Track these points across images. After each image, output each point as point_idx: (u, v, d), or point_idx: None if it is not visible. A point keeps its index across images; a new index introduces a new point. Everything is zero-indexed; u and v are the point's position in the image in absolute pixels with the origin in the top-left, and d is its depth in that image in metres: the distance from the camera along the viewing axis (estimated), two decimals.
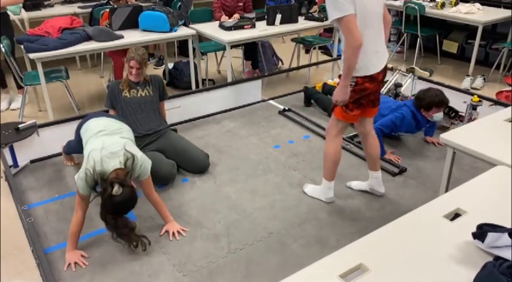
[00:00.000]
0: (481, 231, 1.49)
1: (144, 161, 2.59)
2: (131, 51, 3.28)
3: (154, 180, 2.77)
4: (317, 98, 4.45)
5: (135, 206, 2.50)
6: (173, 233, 2.71)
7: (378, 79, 2.60)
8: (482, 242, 1.47)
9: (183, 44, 5.88)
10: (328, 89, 4.50)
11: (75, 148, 3.11)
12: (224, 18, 4.99)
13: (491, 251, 1.46)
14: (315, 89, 4.60)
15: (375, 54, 2.52)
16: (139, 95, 3.36)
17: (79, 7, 5.61)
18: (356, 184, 3.16)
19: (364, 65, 2.49)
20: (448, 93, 3.60)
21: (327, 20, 4.99)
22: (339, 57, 5.33)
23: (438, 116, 3.55)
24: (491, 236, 1.44)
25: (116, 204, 2.38)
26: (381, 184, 3.04)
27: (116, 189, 2.36)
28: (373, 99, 2.71)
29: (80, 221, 2.49)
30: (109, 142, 2.60)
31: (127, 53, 3.32)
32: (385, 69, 2.64)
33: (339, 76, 4.99)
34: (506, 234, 1.41)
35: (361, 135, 2.96)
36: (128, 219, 2.52)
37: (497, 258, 1.42)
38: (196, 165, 3.33)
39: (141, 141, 3.33)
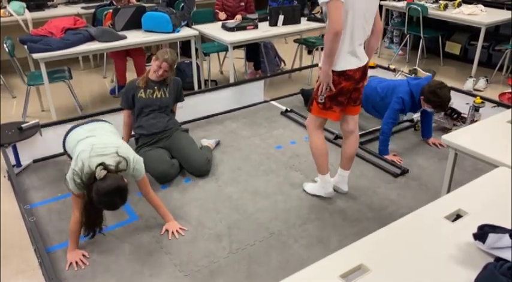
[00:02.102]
0: (482, 232, 1.49)
1: (136, 162, 2.54)
2: (165, 52, 3.28)
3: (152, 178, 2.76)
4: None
5: (137, 205, 2.48)
6: (173, 232, 2.71)
7: (354, 77, 2.62)
8: (483, 243, 1.47)
9: (185, 45, 5.90)
10: None
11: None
12: (222, 15, 4.98)
13: (492, 252, 1.46)
14: (311, 90, 4.59)
15: (352, 52, 2.55)
16: (154, 96, 3.36)
17: (82, 8, 5.64)
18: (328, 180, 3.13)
19: (339, 60, 2.53)
20: (450, 94, 3.59)
21: None
22: None
23: (428, 111, 3.58)
24: (492, 237, 1.44)
25: (101, 194, 2.23)
26: (346, 182, 3.07)
27: (99, 171, 2.25)
28: (353, 98, 2.74)
29: (78, 219, 2.46)
30: (99, 144, 2.50)
31: (158, 51, 3.33)
32: (364, 69, 2.66)
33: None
34: (507, 235, 1.41)
35: (343, 133, 2.96)
36: (102, 214, 2.48)
37: (498, 259, 1.42)
38: (195, 169, 3.32)
39: (150, 138, 3.36)
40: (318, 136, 2.85)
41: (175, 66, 3.35)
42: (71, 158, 2.65)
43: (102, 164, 2.32)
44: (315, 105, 2.74)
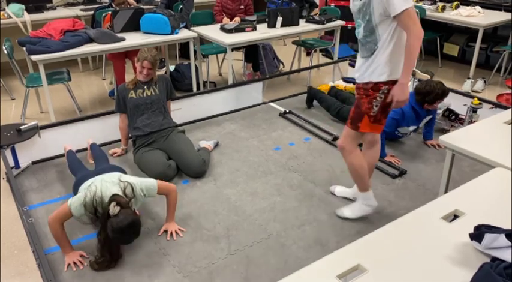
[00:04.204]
0: (479, 233, 1.49)
1: (142, 183, 2.60)
2: (144, 51, 3.34)
3: None
4: (320, 97, 4.45)
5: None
6: (171, 233, 2.72)
7: None
8: (480, 243, 1.48)
9: (184, 47, 5.91)
10: (334, 92, 4.51)
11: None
12: (225, 20, 5.01)
13: (488, 252, 1.47)
14: (318, 89, 4.60)
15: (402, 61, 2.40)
16: (145, 94, 3.41)
17: (81, 10, 5.64)
18: (339, 190, 3.09)
19: (398, 67, 2.38)
20: (448, 95, 3.60)
21: (327, 22, 5.04)
22: (339, 59, 5.35)
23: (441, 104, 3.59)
24: (488, 237, 1.45)
25: (116, 231, 2.31)
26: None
27: (112, 208, 2.32)
28: None
29: (62, 231, 2.47)
30: (107, 176, 2.62)
31: (139, 53, 3.38)
32: None
33: (342, 78, 4.97)
34: (503, 235, 1.42)
35: (367, 144, 2.79)
36: (120, 249, 2.52)
37: (494, 259, 1.43)
38: (190, 170, 3.33)
39: (146, 139, 3.37)
40: (359, 154, 2.67)
41: (158, 62, 3.39)
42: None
43: (114, 199, 2.38)
44: (366, 121, 2.51)
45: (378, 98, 2.45)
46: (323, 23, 5.01)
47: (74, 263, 2.49)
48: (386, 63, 2.37)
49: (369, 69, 2.43)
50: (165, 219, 2.79)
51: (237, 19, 5.00)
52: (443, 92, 3.47)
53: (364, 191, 2.78)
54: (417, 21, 2.26)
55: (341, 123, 4.20)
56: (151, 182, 2.63)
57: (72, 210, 2.43)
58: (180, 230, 2.75)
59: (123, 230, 2.32)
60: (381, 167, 3.43)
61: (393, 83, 2.40)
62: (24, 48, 3.96)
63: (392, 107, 2.45)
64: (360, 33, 2.43)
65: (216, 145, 3.79)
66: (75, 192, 2.73)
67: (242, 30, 4.65)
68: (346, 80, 4.77)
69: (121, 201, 2.39)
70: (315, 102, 4.55)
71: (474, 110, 3.82)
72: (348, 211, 2.87)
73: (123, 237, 2.40)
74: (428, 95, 3.46)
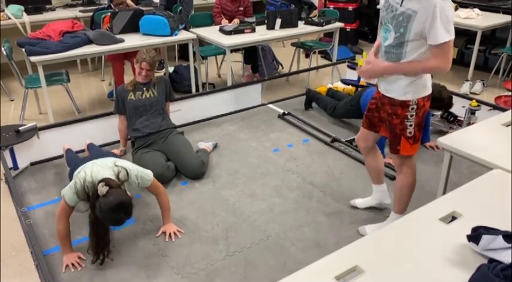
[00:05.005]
0: (476, 234, 1.49)
1: (138, 171, 2.58)
2: (142, 52, 3.35)
3: None
4: (318, 98, 4.47)
5: (134, 208, 2.45)
6: (170, 235, 2.72)
7: None
8: (477, 244, 1.48)
9: (183, 48, 5.91)
10: (331, 94, 4.53)
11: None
12: (224, 22, 5.02)
13: (485, 253, 1.47)
14: (316, 91, 4.62)
15: None
16: (144, 96, 3.41)
17: (80, 11, 5.64)
18: (361, 202, 2.98)
19: (429, 83, 2.30)
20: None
21: (326, 24, 5.05)
22: (338, 61, 5.36)
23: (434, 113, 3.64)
24: (485, 239, 1.45)
25: (104, 211, 2.25)
26: (388, 195, 2.89)
27: (100, 188, 2.27)
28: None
29: (67, 227, 2.47)
30: (99, 160, 2.59)
31: (137, 54, 3.39)
32: None
33: (341, 80, 4.95)
34: (500, 237, 1.42)
35: (365, 150, 2.71)
36: (109, 233, 2.50)
37: (491, 260, 1.43)
38: (189, 171, 3.33)
39: (145, 140, 3.38)
40: (415, 174, 2.53)
41: (157, 63, 3.39)
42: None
43: (103, 180, 2.34)
44: (405, 144, 2.37)
45: (409, 117, 2.31)
46: (322, 25, 5.01)
47: (72, 264, 2.48)
48: (409, 84, 2.23)
49: (395, 83, 2.27)
50: (162, 222, 2.78)
51: (236, 21, 5.01)
52: (448, 105, 3.56)
53: (399, 213, 2.61)
54: (450, 56, 2.10)
55: (339, 124, 4.20)
56: (147, 173, 2.62)
57: (67, 201, 2.41)
58: (178, 231, 2.75)
59: (112, 209, 2.25)
60: None
61: (427, 98, 2.28)
62: (23, 50, 3.96)
63: (360, 70, 2.36)
64: (386, 39, 2.23)
65: (215, 146, 3.79)
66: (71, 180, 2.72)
67: (241, 31, 4.66)
68: (345, 81, 4.77)
69: (111, 182, 2.34)
70: (313, 104, 4.56)
71: (472, 112, 3.83)
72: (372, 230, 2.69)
73: (112, 217, 2.29)
74: (434, 101, 3.44)
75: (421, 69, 2.19)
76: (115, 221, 2.36)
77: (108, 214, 2.27)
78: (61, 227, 2.47)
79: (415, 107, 2.27)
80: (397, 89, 2.28)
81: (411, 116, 2.30)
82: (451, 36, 2.05)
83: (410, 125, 2.33)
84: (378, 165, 2.77)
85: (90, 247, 2.47)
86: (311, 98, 4.55)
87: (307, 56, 6.23)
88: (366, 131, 2.62)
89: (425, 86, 2.28)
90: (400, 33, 2.14)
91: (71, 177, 2.73)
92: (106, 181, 2.33)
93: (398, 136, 2.37)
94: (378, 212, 2.94)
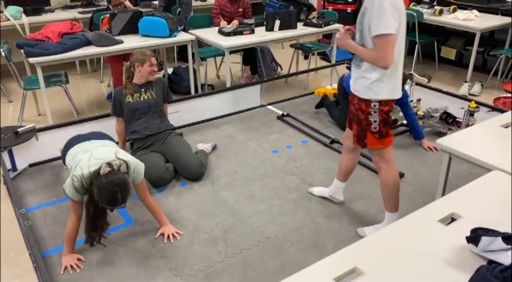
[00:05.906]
0: (475, 236, 1.50)
1: (136, 165, 2.58)
2: (142, 53, 3.36)
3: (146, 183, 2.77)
4: (331, 111, 4.37)
5: (133, 210, 2.48)
6: (168, 236, 2.71)
7: None
8: (476, 246, 1.48)
9: (182, 49, 5.91)
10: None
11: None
12: (223, 23, 5.02)
13: (485, 255, 1.47)
14: (332, 102, 4.50)
15: (399, 80, 2.41)
16: (141, 98, 3.40)
17: (79, 12, 5.64)
18: (318, 190, 3.12)
19: (395, 86, 2.37)
20: (446, 99, 3.62)
21: (325, 26, 5.05)
22: (337, 63, 5.36)
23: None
24: (485, 240, 1.45)
25: (103, 186, 2.26)
26: (341, 193, 3.01)
27: (104, 168, 2.31)
28: None
29: (76, 225, 2.48)
30: (97, 152, 2.55)
31: (135, 56, 3.38)
32: None
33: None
34: (499, 238, 1.42)
35: (347, 148, 2.79)
36: (105, 217, 2.52)
37: (490, 262, 1.43)
38: (188, 173, 3.33)
39: (143, 142, 3.38)
40: (393, 170, 2.55)
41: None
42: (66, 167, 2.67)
43: (108, 163, 2.38)
44: (371, 138, 2.47)
45: (372, 113, 2.41)
46: (321, 27, 5.02)
47: (71, 266, 2.48)
48: (368, 85, 2.33)
49: (358, 81, 2.39)
50: (160, 224, 2.78)
51: (235, 22, 5.01)
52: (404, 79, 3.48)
53: (393, 211, 2.63)
54: (387, 53, 2.16)
55: (339, 126, 4.20)
56: (141, 170, 2.61)
57: (70, 197, 2.42)
58: (177, 232, 2.75)
59: (111, 184, 2.26)
60: None
61: (385, 102, 2.36)
62: (22, 51, 3.96)
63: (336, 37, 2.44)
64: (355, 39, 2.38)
65: (214, 148, 3.79)
66: (63, 157, 2.77)
67: (240, 33, 4.66)
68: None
69: (114, 166, 2.39)
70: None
71: (471, 113, 3.83)
72: (370, 232, 2.68)
73: (108, 192, 2.27)
74: None
75: (367, 56, 2.28)
76: (110, 198, 2.31)
77: (105, 189, 2.27)
78: (69, 223, 2.49)
79: (377, 104, 2.38)
80: (359, 88, 2.41)
81: (374, 112, 2.41)
82: (387, 30, 2.10)
83: (375, 121, 2.42)
84: (351, 167, 2.87)
85: (86, 228, 2.50)
86: (324, 106, 4.50)
87: (306, 57, 6.24)
88: (349, 129, 2.71)
89: (385, 92, 2.34)
90: (359, 30, 2.29)
91: (63, 157, 2.76)
92: (110, 164, 2.38)
93: (364, 130, 2.48)
94: (377, 214, 2.94)
